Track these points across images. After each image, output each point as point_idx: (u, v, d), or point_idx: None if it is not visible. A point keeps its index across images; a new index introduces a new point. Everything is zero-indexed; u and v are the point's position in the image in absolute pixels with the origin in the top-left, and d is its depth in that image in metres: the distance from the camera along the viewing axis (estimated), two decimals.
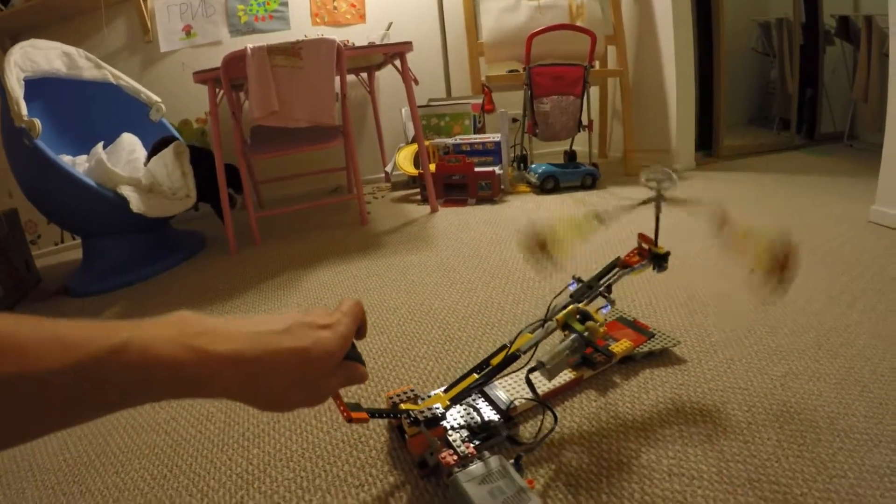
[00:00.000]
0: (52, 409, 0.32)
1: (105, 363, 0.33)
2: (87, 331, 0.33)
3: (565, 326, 0.67)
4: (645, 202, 0.74)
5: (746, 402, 0.72)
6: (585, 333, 0.65)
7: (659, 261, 0.76)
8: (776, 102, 3.28)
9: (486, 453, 0.60)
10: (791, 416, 0.68)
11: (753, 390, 0.74)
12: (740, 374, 0.78)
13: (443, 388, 0.70)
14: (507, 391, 0.75)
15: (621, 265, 0.77)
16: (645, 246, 0.77)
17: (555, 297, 0.74)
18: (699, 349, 0.86)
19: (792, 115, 3.07)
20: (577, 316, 0.68)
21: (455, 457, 0.61)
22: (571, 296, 0.74)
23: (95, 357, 0.32)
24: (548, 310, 0.70)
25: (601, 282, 0.75)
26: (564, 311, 0.68)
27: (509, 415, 0.71)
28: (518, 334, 0.69)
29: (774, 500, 0.55)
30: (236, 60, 1.66)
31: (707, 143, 2.87)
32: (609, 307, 0.71)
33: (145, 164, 1.75)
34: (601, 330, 0.66)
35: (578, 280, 0.76)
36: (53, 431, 0.33)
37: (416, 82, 2.15)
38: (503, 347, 0.70)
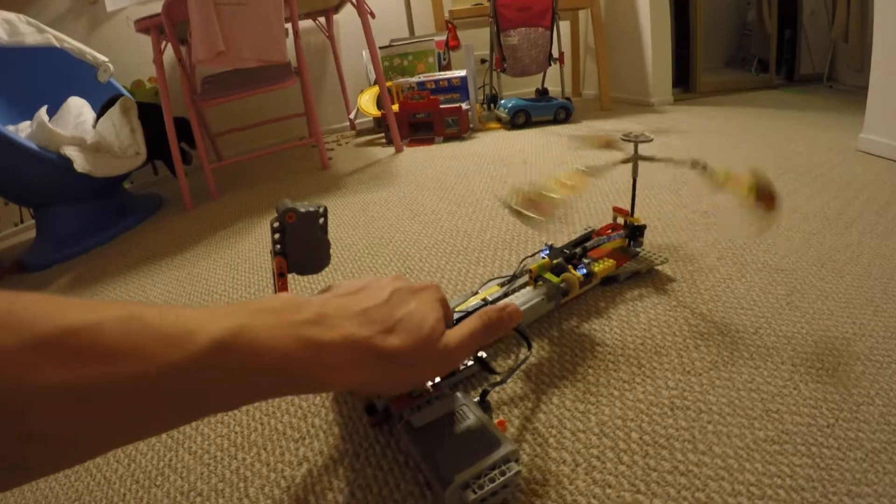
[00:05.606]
0: (139, 419, 0.26)
1: (208, 364, 0.27)
2: (187, 321, 0.27)
3: (538, 279, 0.65)
4: (624, 161, 0.72)
5: (752, 323, 0.62)
6: (562, 284, 0.63)
7: (635, 233, 0.75)
8: (754, 43, 3.17)
9: (447, 391, 0.49)
10: (803, 337, 0.58)
11: (758, 310, 0.64)
12: (741, 293, 0.68)
13: None
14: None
15: (595, 235, 0.76)
16: (620, 220, 0.77)
17: (526, 258, 0.73)
18: (691, 268, 0.76)
19: (771, 55, 2.97)
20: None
21: (407, 397, 0.49)
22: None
23: (197, 356, 0.26)
24: (517, 268, 0.69)
25: (576, 249, 0.71)
26: (538, 264, 0.65)
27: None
28: (485, 283, 0.68)
29: (798, 432, 0.45)
30: (178, 3, 1.51)
31: (684, 83, 2.76)
32: (584, 269, 0.68)
33: (94, 126, 1.60)
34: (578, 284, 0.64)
35: (551, 247, 0.73)
36: (132, 442, 0.27)
37: (373, 16, 2.03)
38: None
